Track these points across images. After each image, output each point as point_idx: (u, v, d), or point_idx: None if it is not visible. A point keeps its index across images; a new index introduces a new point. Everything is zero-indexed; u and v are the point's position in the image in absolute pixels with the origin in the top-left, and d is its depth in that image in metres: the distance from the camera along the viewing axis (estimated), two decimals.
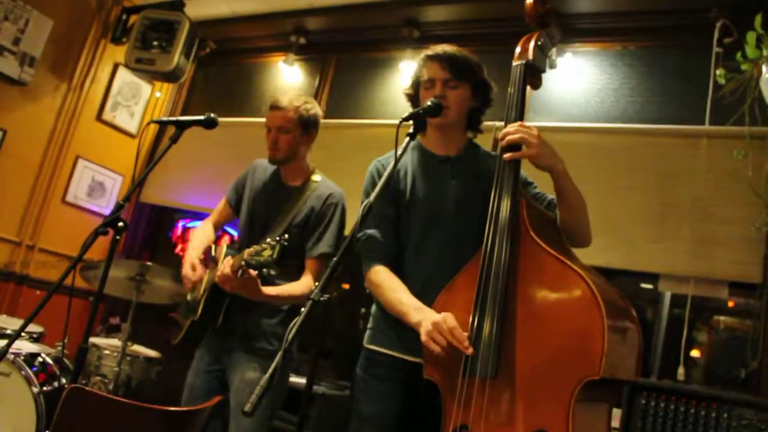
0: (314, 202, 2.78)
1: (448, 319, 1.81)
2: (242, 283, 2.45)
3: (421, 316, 1.92)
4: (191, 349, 4.01)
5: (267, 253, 2.30)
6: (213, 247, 2.92)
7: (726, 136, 3.39)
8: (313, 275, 2.71)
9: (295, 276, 2.72)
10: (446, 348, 1.79)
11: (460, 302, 1.88)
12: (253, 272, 2.42)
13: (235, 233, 4.90)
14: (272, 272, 2.43)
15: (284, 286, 2.68)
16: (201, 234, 2.96)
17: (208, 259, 2.84)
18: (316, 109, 2.87)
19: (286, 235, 2.37)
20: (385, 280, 2.10)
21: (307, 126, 2.81)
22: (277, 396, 2.71)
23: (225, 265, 2.46)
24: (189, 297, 2.92)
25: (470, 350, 1.77)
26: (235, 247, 2.83)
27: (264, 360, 2.68)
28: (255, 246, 2.36)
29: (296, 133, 2.79)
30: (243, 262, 2.37)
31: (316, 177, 2.88)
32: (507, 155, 1.95)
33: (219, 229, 3.05)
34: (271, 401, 2.64)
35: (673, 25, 3.88)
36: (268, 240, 2.33)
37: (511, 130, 1.95)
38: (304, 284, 2.68)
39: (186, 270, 2.71)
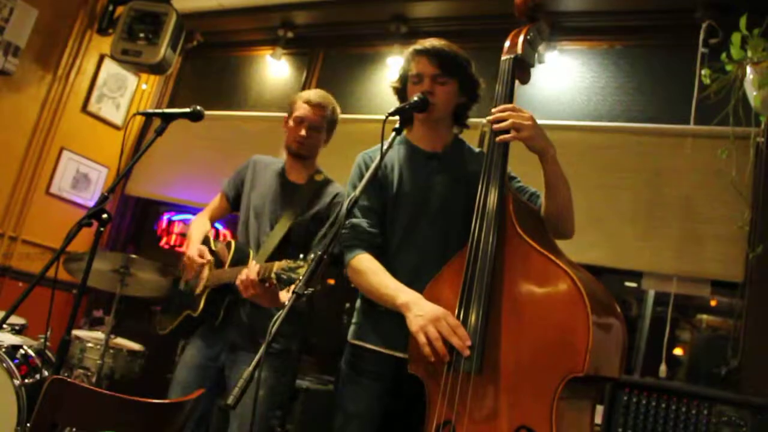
0: (321, 201, 2.77)
1: (449, 316, 1.81)
2: (264, 291, 2.37)
3: (409, 298, 1.91)
4: (175, 343, 4.00)
5: (302, 270, 2.20)
6: (211, 240, 2.88)
7: (710, 135, 3.42)
8: None
9: None
10: (433, 343, 1.78)
11: (446, 296, 1.89)
12: (275, 283, 2.33)
13: (220, 227, 4.89)
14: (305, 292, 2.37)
15: None
16: (199, 226, 2.90)
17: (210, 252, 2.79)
18: (339, 114, 2.90)
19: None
20: (368, 265, 2.08)
21: (331, 130, 2.86)
22: (278, 396, 2.68)
23: (251, 270, 2.37)
24: (183, 287, 2.87)
25: (467, 351, 1.75)
26: (241, 244, 2.78)
27: (272, 359, 2.61)
28: (288, 261, 2.26)
29: (323, 133, 2.82)
30: (274, 275, 2.27)
31: (320, 176, 2.86)
32: (499, 138, 1.95)
33: (214, 223, 3.00)
34: (269, 401, 2.62)
35: (659, 25, 3.91)
36: (305, 257, 2.23)
37: (503, 115, 1.94)
38: None
39: (191, 252, 2.66)
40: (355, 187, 2.14)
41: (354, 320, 2.25)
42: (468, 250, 1.88)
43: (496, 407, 1.72)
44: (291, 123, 2.82)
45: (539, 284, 1.76)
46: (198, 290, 2.75)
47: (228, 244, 2.78)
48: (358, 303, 2.26)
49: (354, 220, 2.13)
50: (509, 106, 1.97)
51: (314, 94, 2.83)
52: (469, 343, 1.76)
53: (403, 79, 2.27)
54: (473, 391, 1.75)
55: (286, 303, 1.59)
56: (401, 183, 2.20)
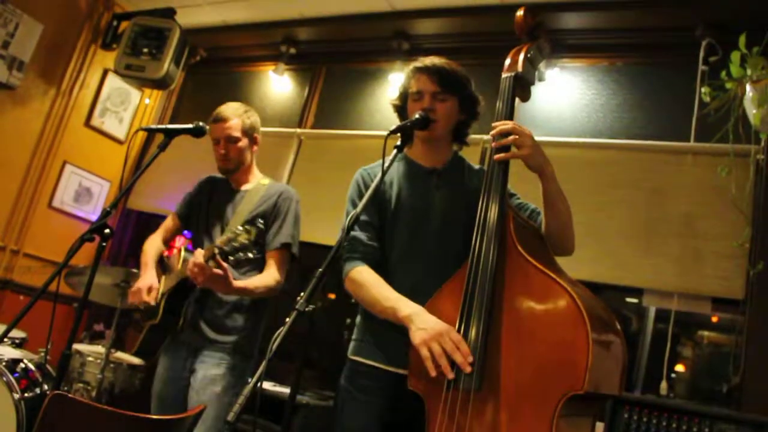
0: (270, 199, 2.87)
1: (452, 332, 1.81)
2: (214, 274, 2.43)
3: (412, 310, 1.92)
4: None
5: (243, 237, 2.33)
6: (165, 256, 2.97)
7: (710, 153, 3.43)
8: (276, 266, 2.76)
9: (254, 269, 2.78)
10: (437, 359, 1.78)
11: (446, 313, 1.88)
12: (224, 264, 2.41)
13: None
14: (250, 255, 2.41)
15: (253, 279, 2.70)
16: (152, 248, 2.97)
17: (163, 268, 2.86)
18: (255, 116, 3.00)
19: (261, 220, 2.44)
20: (368, 278, 2.08)
21: (251, 133, 2.94)
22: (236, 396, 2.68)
23: (197, 255, 2.44)
24: (142, 306, 2.91)
25: (469, 368, 1.76)
26: (188, 252, 2.88)
27: (229, 355, 2.69)
28: (225, 234, 2.38)
29: (243, 141, 2.91)
30: (216, 250, 2.36)
31: (265, 180, 2.98)
32: (498, 156, 1.97)
33: (167, 244, 3.09)
34: (226, 399, 2.64)
35: (659, 42, 3.93)
36: (238, 228, 2.35)
37: (504, 130, 1.96)
38: (270, 276, 2.73)
39: (143, 283, 2.71)
40: (353, 203, 2.15)
41: (354, 336, 2.25)
42: (468, 267, 1.89)
43: (495, 424, 1.72)
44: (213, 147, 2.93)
45: (539, 302, 1.76)
46: (154, 302, 2.77)
47: (178, 251, 2.88)
48: (358, 319, 2.26)
49: (353, 233, 2.13)
50: (510, 123, 1.98)
51: (218, 111, 2.93)
52: (471, 359, 1.76)
53: (404, 97, 2.28)
54: (473, 408, 1.75)
55: (287, 319, 1.59)
56: (400, 199, 2.21)
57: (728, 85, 2.99)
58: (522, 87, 2.16)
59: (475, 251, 1.90)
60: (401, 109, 2.31)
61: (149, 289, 2.70)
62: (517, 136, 1.94)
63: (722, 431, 2.60)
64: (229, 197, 2.94)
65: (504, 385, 1.73)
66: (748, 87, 2.90)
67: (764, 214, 3.23)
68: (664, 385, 3.30)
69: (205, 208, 2.98)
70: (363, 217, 2.14)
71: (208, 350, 2.71)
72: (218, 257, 2.38)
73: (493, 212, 1.92)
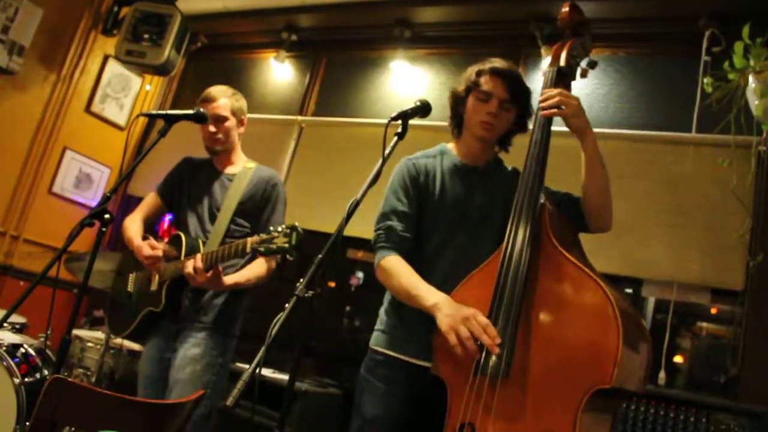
0: (258, 185, 2.88)
1: (479, 315, 1.80)
2: (208, 278, 2.54)
3: (439, 299, 1.92)
4: None
5: (281, 240, 2.29)
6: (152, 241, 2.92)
7: (712, 144, 3.42)
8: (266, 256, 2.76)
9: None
10: (465, 342, 1.78)
11: (475, 300, 1.88)
12: (219, 268, 2.54)
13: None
14: (290, 258, 2.37)
15: (244, 271, 2.74)
16: (135, 225, 2.95)
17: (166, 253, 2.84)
18: (243, 99, 3.03)
19: (298, 223, 2.34)
20: (398, 267, 2.09)
21: (239, 114, 2.96)
22: (214, 376, 2.69)
23: (197, 261, 2.54)
24: (131, 288, 2.95)
25: (497, 350, 1.75)
26: (191, 238, 2.84)
27: (208, 334, 2.71)
28: (261, 235, 2.37)
29: (232, 121, 2.92)
30: (249, 249, 2.41)
31: (251, 164, 2.98)
32: (544, 112, 2.02)
33: (149, 224, 3.04)
34: (203, 379, 2.65)
35: (662, 33, 3.91)
36: (277, 228, 2.32)
37: (552, 94, 2.02)
38: (262, 265, 2.77)
39: (145, 251, 2.72)
40: (395, 193, 2.17)
41: (377, 326, 2.27)
42: (501, 255, 1.89)
43: (520, 413, 1.72)
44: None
45: (572, 295, 1.77)
46: (154, 287, 2.80)
47: (177, 237, 2.83)
48: (381, 310, 2.28)
49: (389, 223, 2.15)
50: (557, 89, 2.03)
51: (206, 92, 2.96)
52: (499, 341, 1.75)
53: (468, 90, 2.24)
54: (499, 396, 1.74)
55: (287, 306, 1.59)
56: (443, 193, 2.22)
57: (731, 76, 2.97)
58: (563, 81, 2.15)
59: (509, 241, 1.90)
60: (460, 100, 2.28)
61: (152, 246, 2.74)
62: (562, 99, 1.99)
63: (719, 421, 2.61)
64: (216, 179, 2.94)
65: (531, 375, 1.73)
66: (750, 78, 2.89)
67: (765, 206, 3.23)
68: (662, 375, 3.31)
69: (187, 188, 2.98)
70: (401, 208, 2.17)
71: (189, 330, 2.72)
72: (217, 265, 2.53)
73: (529, 204, 1.93)
